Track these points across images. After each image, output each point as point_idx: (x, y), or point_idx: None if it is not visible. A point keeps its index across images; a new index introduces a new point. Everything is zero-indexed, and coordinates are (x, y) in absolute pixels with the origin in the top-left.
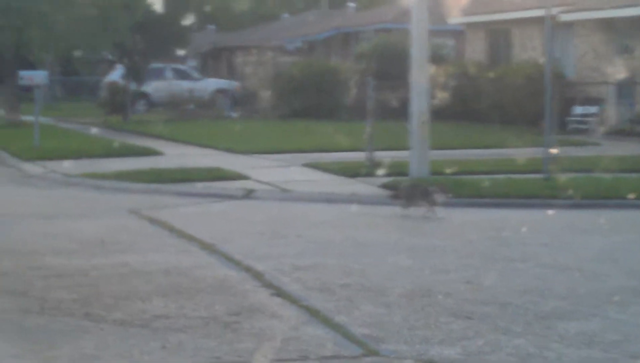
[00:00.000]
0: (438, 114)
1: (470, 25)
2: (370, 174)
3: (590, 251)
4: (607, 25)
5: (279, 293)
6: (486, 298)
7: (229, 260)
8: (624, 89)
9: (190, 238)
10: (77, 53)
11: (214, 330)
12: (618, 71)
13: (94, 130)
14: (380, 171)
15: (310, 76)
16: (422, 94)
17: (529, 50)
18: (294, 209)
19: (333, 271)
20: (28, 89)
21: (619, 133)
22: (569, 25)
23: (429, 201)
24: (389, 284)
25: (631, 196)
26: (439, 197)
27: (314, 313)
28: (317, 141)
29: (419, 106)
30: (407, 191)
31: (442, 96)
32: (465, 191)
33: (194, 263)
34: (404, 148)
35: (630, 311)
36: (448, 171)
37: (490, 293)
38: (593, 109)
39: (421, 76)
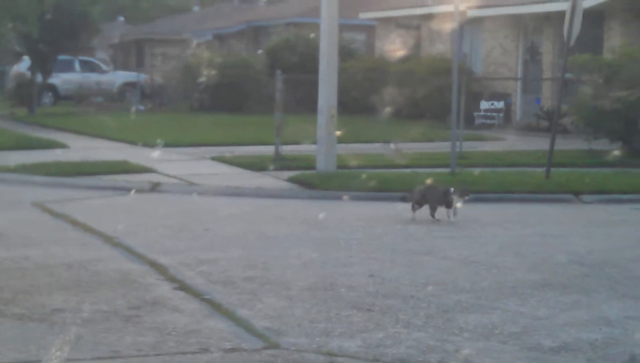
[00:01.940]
0: (347, 108)
1: (381, 20)
2: (277, 167)
3: (494, 244)
4: (515, 21)
5: (182, 286)
6: (389, 291)
7: (132, 253)
8: (529, 84)
9: (94, 232)
10: None
11: (114, 324)
12: (524, 66)
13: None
14: (288, 165)
15: (221, 69)
16: (331, 88)
17: (438, 45)
18: (201, 202)
19: (238, 264)
20: None
21: (524, 128)
22: (478, 20)
23: (445, 204)
24: (293, 277)
25: (534, 190)
26: (457, 199)
27: (216, 307)
28: (226, 135)
29: (327, 100)
30: (422, 192)
31: (351, 90)
32: (371, 185)
33: (97, 256)
34: (313, 141)
35: (529, 303)
36: (354, 164)
37: (393, 286)
38: (499, 104)
39: (330, 70)
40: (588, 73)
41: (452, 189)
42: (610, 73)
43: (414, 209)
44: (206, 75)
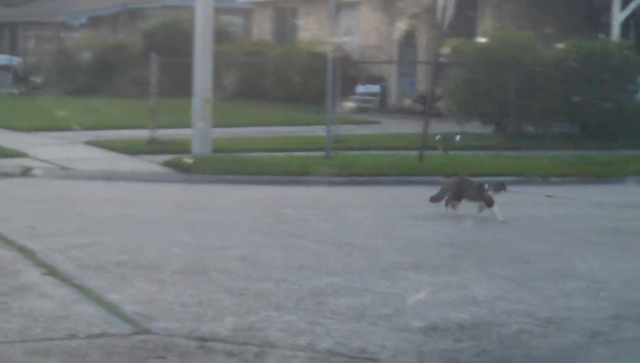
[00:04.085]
0: (224, 92)
1: (258, 3)
2: (152, 151)
3: (367, 227)
4: (390, 5)
5: (52, 272)
6: (261, 274)
7: (1, 239)
8: (405, 68)
9: None
10: None
11: None
12: (399, 50)
13: None
14: (163, 149)
15: (96, 52)
16: (206, 71)
17: (315, 29)
18: (74, 187)
19: (109, 249)
20: None
21: (400, 111)
22: (354, 4)
23: (479, 199)
24: (165, 261)
25: (408, 173)
26: (492, 194)
27: (85, 292)
28: (101, 119)
29: (202, 83)
30: (459, 186)
31: (229, 74)
32: (246, 168)
33: None
34: (189, 125)
35: (400, 285)
36: (230, 148)
37: (265, 269)
38: (375, 88)
39: (205, 53)
40: (462, 57)
41: (486, 184)
42: (483, 57)
43: (449, 205)
44: (80, 58)
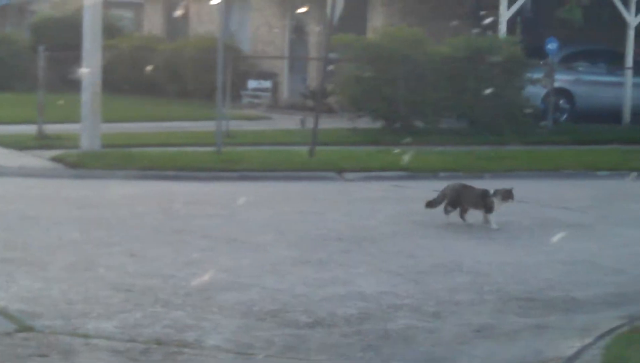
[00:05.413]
0: (114, 86)
1: None
2: (40, 146)
3: (256, 222)
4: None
5: None
6: (149, 271)
7: None
8: (296, 63)
9: None
10: None
11: None
12: (291, 45)
13: None
14: (51, 144)
15: None
16: (95, 66)
17: (206, 23)
18: None
19: None
20: None
21: (291, 107)
22: None
23: (484, 206)
24: (51, 258)
25: (298, 168)
26: (499, 202)
27: None
28: None
29: (91, 77)
30: (458, 192)
31: (118, 68)
32: (136, 163)
33: None
34: (78, 120)
35: (288, 280)
36: (120, 143)
37: (153, 265)
38: (267, 83)
39: (93, 46)
40: (352, 53)
41: (491, 190)
42: (374, 53)
43: (447, 212)
44: None
